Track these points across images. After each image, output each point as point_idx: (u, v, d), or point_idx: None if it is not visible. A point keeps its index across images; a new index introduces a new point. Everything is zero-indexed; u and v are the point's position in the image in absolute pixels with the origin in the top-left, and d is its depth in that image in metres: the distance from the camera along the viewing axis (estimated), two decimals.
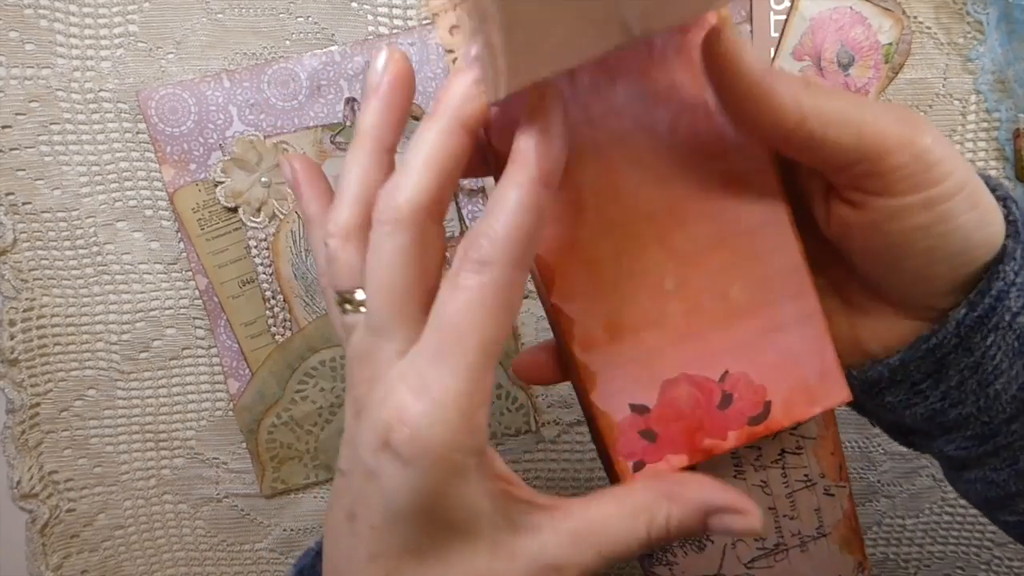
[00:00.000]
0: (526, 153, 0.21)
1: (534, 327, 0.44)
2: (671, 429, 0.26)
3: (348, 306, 0.24)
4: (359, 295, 0.24)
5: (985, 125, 0.42)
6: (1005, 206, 0.25)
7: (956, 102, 0.42)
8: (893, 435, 0.30)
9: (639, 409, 0.26)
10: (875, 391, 0.27)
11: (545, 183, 0.21)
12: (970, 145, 0.43)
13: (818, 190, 0.25)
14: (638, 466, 0.26)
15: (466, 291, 0.21)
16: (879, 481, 0.47)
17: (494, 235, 0.21)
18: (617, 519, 0.24)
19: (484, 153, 0.25)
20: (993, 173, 0.43)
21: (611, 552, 0.24)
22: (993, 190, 0.25)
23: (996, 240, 0.24)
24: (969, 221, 0.23)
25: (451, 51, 0.24)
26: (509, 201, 0.21)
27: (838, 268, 0.27)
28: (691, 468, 0.27)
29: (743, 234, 0.25)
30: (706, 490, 0.25)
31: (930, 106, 0.42)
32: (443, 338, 0.21)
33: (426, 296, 0.22)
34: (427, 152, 0.22)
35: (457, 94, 0.22)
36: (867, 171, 0.23)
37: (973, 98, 0.42)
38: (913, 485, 0.47)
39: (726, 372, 0.26)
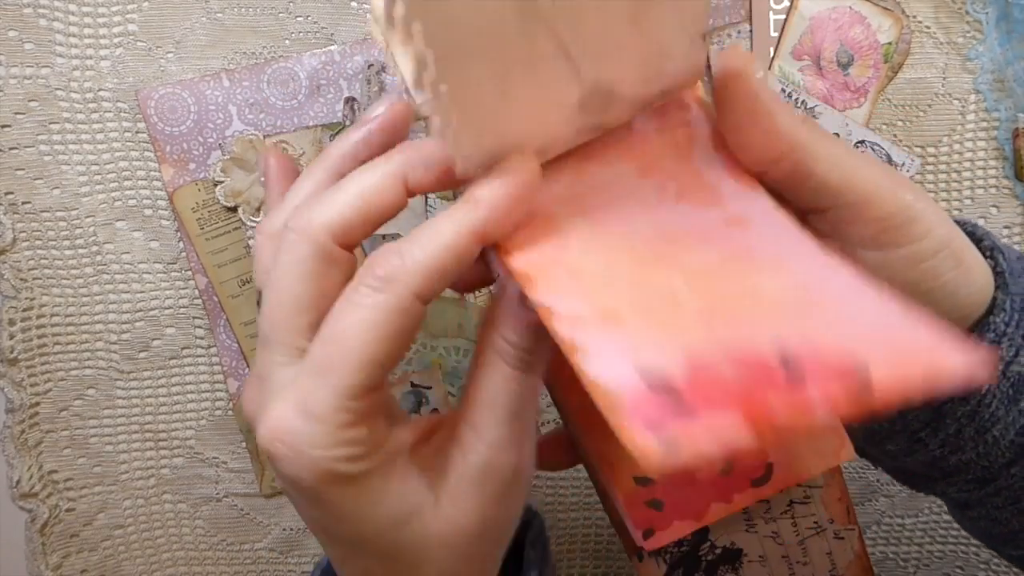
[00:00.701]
0: (482, 202, 0.20)
1: None
2: (676, 497, 0.27)
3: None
4: None
5: (984, 125, 0.43)
6: (992, 257, 0.25)
7: (955, 101, 0.42)
8: (895, 477, 0.30)
9: (643, 481, 0.27)
10: (876, 440, 0.27)
11: (483, 238, 0.20)
12: (969, 145, 0.43)
13: None
14: (647, 534, 0.27)
15: (361, 308, 0.20)
16: (879, 481, 0.47)
17: (410, 258, 0.20)
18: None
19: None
20: (992, 173, 0.43)
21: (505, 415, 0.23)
22: (979, 241, 0.25)
23: (983, 295, 0.24)
24: (954, 279, 0.23)
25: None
26: (441, 235, 0.20)
27: None
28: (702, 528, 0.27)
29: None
30: None
31: (929, 105, 0.42)
32: (329, 353, 0.20)
33: (319, 316, 0.21)
34: (362, 188, 0.21)
35: (418, 153, 0.22)
36: (850, 217, 0.23)
37: (972, 97, 0.42)
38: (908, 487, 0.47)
39: None
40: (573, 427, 0.27)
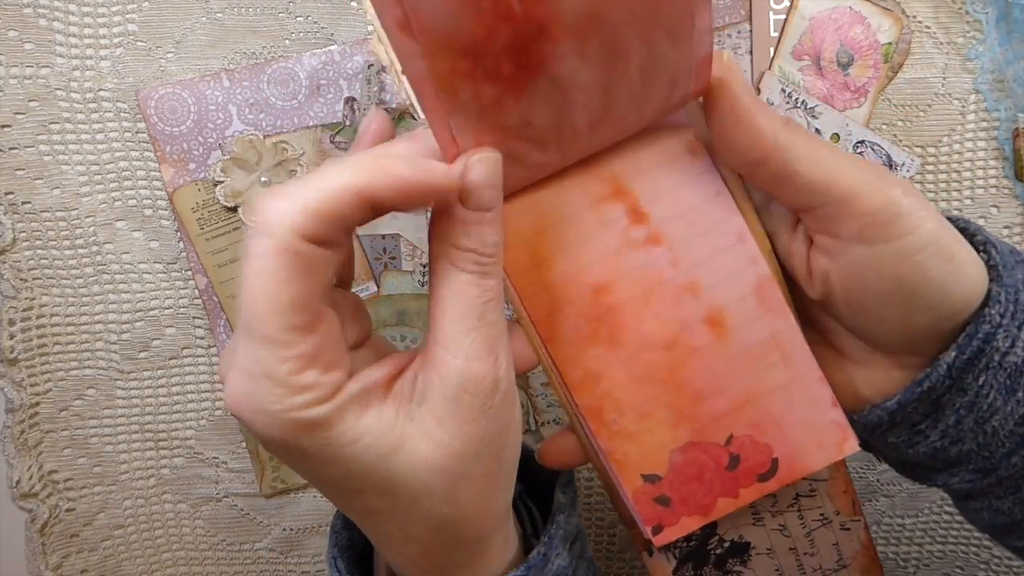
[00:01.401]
0: (380, 159, 0.21)
1: None
2: (683, 493, 0.27)
3: None
4: None
5: (984, 124, 0.43)
6: (985, 251, 0.26)
7: (955, 101, 0.42)
8: (898, 469, 0.30)
9: (651, 479, 0.27)
10: (877, 433, 0.27)
11: (367, 197, 0.20)
12: (969, 144, 0.43)
13: (800, 251, 0.26)
14: (656, 530, 0.28)
15: (253, 259, 0.20)
16: (879, 480, 0.47)
17: (290, 199, 0.20)
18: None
19: None
20: (992, 173, 0.43)
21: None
22: (972, 236, 0.26)
23: (976, 290, 0.25)
24: (944, 274, 0.24)
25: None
26: (326, 179, 0.20)
27: (828, 321, 0.28)
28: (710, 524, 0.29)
29: (732, 306, 0.27)
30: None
31: (929, 105, 0.42)
32: (246, 311, 0.20)
33: (294, 305, 0.21)
34: (332, 183, 0.21)
35: (392, 164, 0.21)
36: (836, 214, 0.24)
37: (972, 97, 0.42)
38: (913, 485, 0.47)
39: (731, 436, 0.27)
40: (580, 427, 0.28)
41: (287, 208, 0.20)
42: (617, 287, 0.26)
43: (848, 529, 0.30)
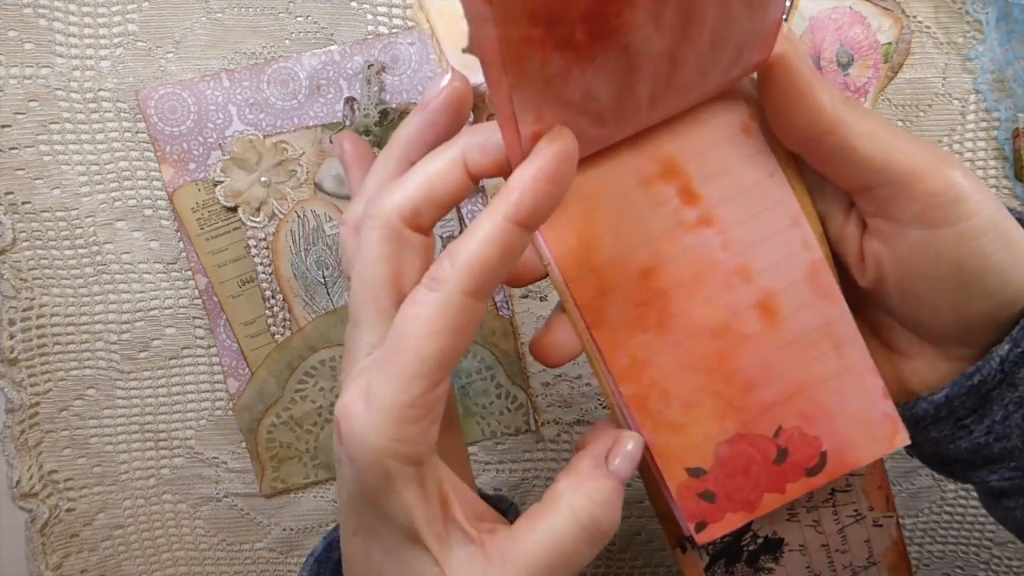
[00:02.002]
0: (516, 190, 0.20)
1: (533, 326, 0.44)
2: (729, 488, 0.26)
3: None
4: None
5: (984, 124, 0.43)
6: None
7: (955, 101, 0.42)
8: (932, 465, 0.30)
9: (696, 472, 0.26)
10: (920, 427, 0.27)
11: (523, 224, 0.21)
12: (969, 144, 0.43)
13: (853, 235, 0.25)
14: (700, 527, 0.27)
15: (417, 305, 0.21)
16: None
17: (456, 259, 0.21)
18: (552, 536, 0.23)
19: None
20: (992, 173, 0.43)
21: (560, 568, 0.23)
22: None
23: None
24: (1004, 259, 0.23)
25: None
26: (480, 231, 0.21)
27: (876, 312, 0.27)
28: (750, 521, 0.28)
29: (784, 291, 0.26)
30: (594, 452, 0.25)
31: (929, 105, 0.42)
32: (391, 347, 0.21)
33: (399, 296, 0.22)
34: (427, 173, 0.22)
35: (476, 138, 0.22)
36: (895, 194, 0.23)
37: (972, 97, 0.42)
38: (913, 484, 0.47)
39: (779, 428, 0.26)
40: (623, 417, 0.27)
41: (459, 266, 0.21)
42: (666, 271, 0.25)
43: (880, 526, 0.30)
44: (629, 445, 0.24)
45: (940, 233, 0.23)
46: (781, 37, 0.23)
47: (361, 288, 0.23)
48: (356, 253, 0.23)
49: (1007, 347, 0.24)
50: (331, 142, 0.42)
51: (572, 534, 0.23)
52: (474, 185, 0.23)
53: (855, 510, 0.29)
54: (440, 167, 0.22)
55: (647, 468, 0.27)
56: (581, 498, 0.23)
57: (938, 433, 0.27)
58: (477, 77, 0.23)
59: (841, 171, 0.24)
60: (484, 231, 0.21)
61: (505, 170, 0.22)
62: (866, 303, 0.27)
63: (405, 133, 0.25)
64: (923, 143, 0.24)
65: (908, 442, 0.26)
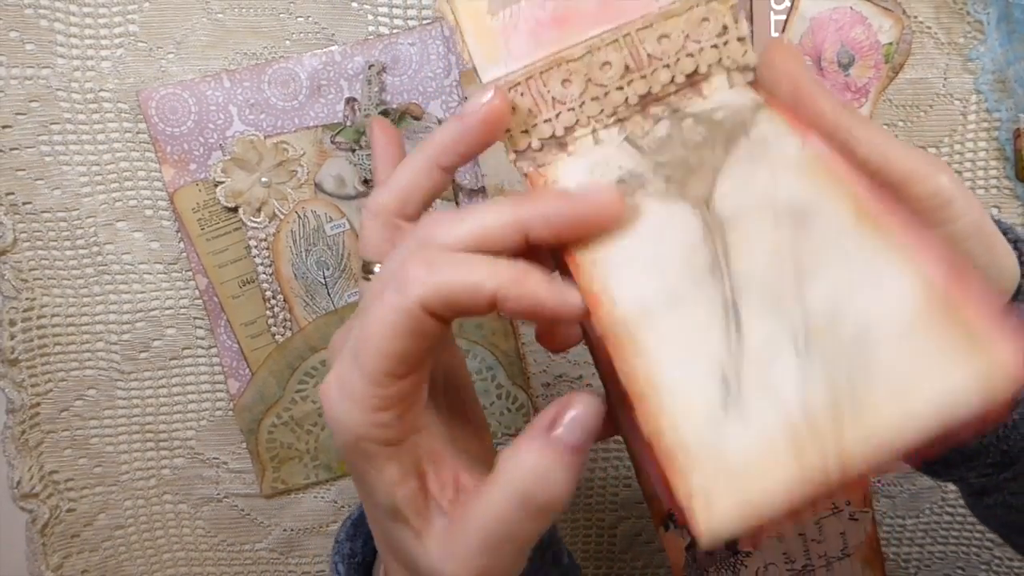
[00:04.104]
0: (525, 288, 0.22)
1: (533, 327, 0.44)
2: None
3: (368, 275, 0.26)
4: (376, 268, 0.26)
5: (985, 125, 0.42)
6: (1017, 248, 0.26)
7: (956, 102, 0.42)
8: (915, 465, 0.30)
9: None
10: None
11: (501, 297, 0.21)
12: (970, 145, 0.43)
13: None
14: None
15: (384, 307, 0.22)
16: (879, 481, 0.47)
17: (431, 269, 0.21)
18: (492, 510, 0.23)
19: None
20: (993, 173, 0.43)
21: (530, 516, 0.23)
22: (1004, 233, 0.26)
23: (1011, 282, 0.25)
24: (987, 263, 0.24)
25: (506, 129, 0.25)
26: (464, 267, 0.22)
27: None
28: None
29: None
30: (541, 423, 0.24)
31: (930, 106, 0.42)
32: (360, 340, 0.22)
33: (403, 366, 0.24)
34: (483, 225, 0.23)
35: (543, 210, 0.23)
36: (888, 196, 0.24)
37: (973, 98, 0.42)
38: (913, 485, 0.47)
39: None
40: (614, 396, 0.26)
41: (423, 279, 0.21)
42: None
43: (856, 520, 0.31)
44: (574, 410, 0.22)
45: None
46: (782, 47, 0.24)
47: (364, 344, 0.23)
48: (370, 241, 0.25)
49: None
50: (332, 142, 0.42)
51: (509, 508, 0.22)
52: (525, 247, 0.23)
53: (832, 503, 0.30)
54: (497, 226, 0.23)
55: (639, 450, 0.27)
56: (513, 469, 0.22)
57: None
58: (498, 71, 0.25)
59: None
60: (468, 271, 0.21)
61: (565, 241, 0.23)
62: None
63: (440, 139, 0.25)
64: (915, 149, 0.25)
65: None
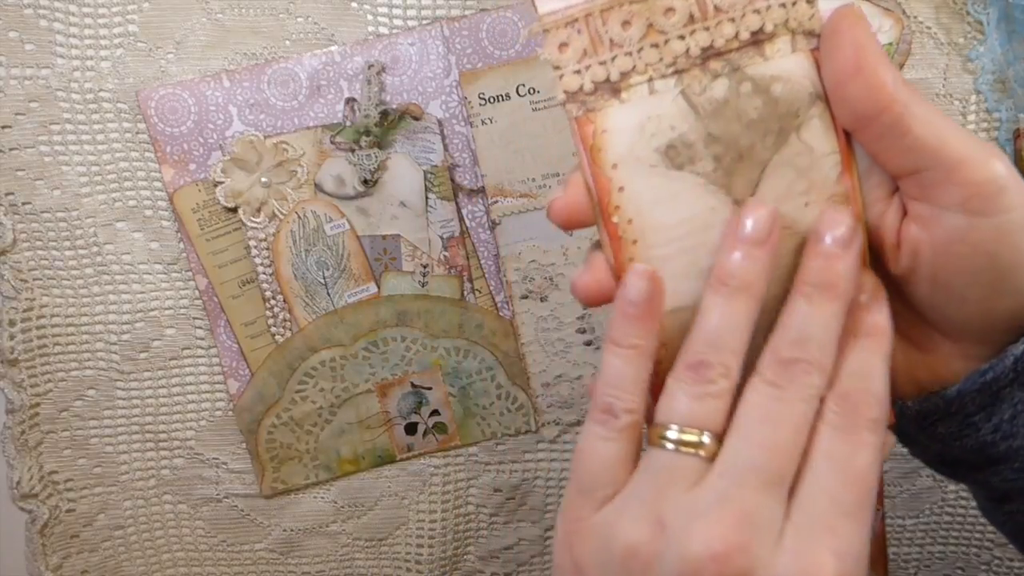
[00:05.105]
0: (880, 326, 0.24)
1: (533, 327, 0.44)
2: None
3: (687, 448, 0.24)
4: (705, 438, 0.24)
5: (985, 125, 0.42)
6: None
7: (956, 102, 0.42)
8: (934, 466, 0.30)
9: None
10: (928, 422, 0.27)
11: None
12: None
13: (892, 222, 0.26)
14: None
15: (872, 448, 0.22)
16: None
17: (881, 402, 0.23)
18: None
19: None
20: None
21: None
22: None
23: None
24: None
25: (558, 67, 0.24)
26: (879, 367, 0.23)
27: (896, 303, 0.27)
28: None
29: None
30: None
31: None
32: (860, 494, 0.22)
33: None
34: None
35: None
36: (942, 179, 0.23)
37: (973, 98, 0.42)
38: (913, 485, 0.47)
39: None
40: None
41: (885, 400, 0.23)
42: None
43: None
44: None
45: (980, 222, 0.23)
46: (851, 14, 0.23)
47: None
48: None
49: (1022, 347, 0.24)
50: (331, 143, 0.42)
51: None
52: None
53: None
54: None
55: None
56: None
57: (945, 429, 0.27)
58: (557, 3, 0.24)
59: (892, 151, 0.24)
60: (881, 366, 0.24)
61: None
62: (890, 294, 0.27)
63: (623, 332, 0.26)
64: (970, 133, 0.24)
65: (892, 421, 0.27)
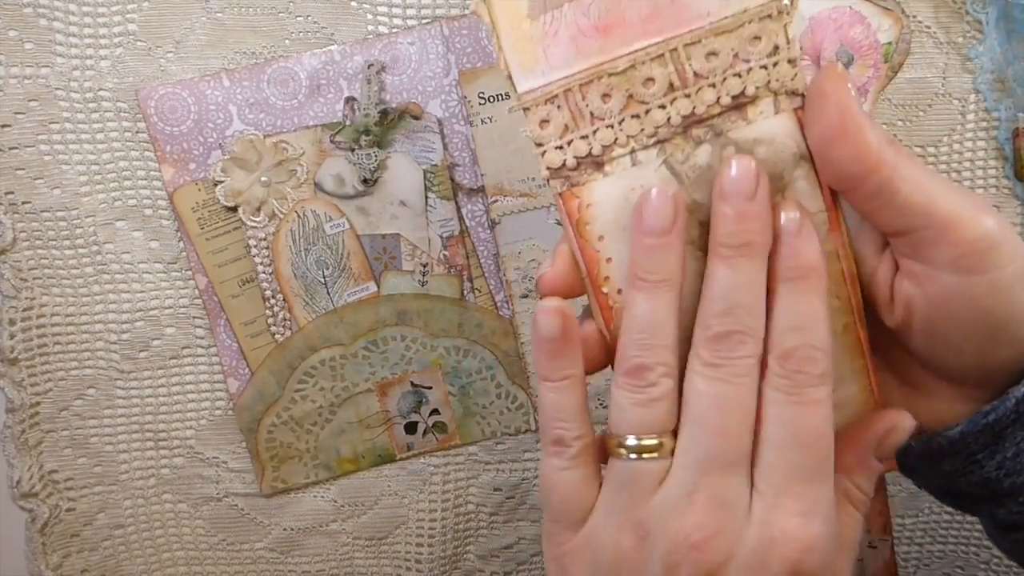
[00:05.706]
0: (806, 265, 0.23)
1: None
2: None
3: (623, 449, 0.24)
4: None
5: (984, 124, 0.43)
6: None
7: (955, 101, 0.42)
8: (941, 498, 0.30)
9: None
10: (933, 459, 0.27)
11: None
12: (969, 144, 0.43)
13: (885, 276, 0.26)
14: None
15: (821, 405, 0.22)
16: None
17: (824, 348, 0.22)
18: None
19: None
20: (992, 173, 0.43)
21: None
22: None
23: None
24: None
25: (540, 144, 0.24)
26: (815, 310, 0.23)
27: (894, 348, 0.27)
28: None
29: None
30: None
31: (929, 105, 0.42)
32: (817, 454, 0.22)
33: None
34: None
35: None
36: (932, 239, 0.23)
37: (972, 97, 0.42)
38: (912, 484, 0.47)
39: None
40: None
41: (828, 349, 0.24)
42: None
43: (875, 547, 0.30)
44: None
45: (973, 280, 0.23)
46: (832, 73, 0.23)
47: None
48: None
49: (1023, 390, 0.24)
50: (331, 142, 0.42)
51: None
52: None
53: None
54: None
55: None
56: None
57: (950, 467, 0.27)
58: (534, 81, 0.24)
59: (881, 212, 0.24)
60: (821, 308, 0.24)
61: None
62: (888, 339, 0.27)
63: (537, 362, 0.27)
64: (961, 189, 0.24)
65: (894, 468, 0.28)
